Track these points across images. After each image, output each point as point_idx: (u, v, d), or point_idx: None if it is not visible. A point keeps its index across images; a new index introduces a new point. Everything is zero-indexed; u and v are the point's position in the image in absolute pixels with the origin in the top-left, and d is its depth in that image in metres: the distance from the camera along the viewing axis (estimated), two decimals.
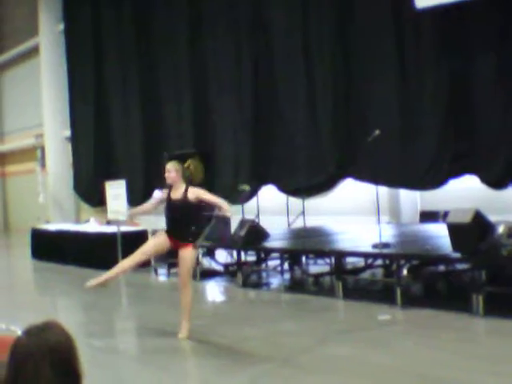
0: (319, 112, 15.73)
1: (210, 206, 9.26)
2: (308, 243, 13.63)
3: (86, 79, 25.03)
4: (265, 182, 17.14)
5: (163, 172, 9.17)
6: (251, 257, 14.29)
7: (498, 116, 12.30)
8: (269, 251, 13.68)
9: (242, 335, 9.18)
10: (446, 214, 11.46)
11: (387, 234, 12.79)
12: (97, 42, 24.36)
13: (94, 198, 23.45)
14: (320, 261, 14.34)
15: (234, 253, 14.03)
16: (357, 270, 13.18)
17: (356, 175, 14.91)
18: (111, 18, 23.53)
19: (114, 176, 19.21)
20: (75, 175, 26.38)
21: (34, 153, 30.14)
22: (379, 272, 13.41)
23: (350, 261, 13.31)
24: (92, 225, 19.91)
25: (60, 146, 27.75)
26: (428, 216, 15.30)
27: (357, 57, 14.84)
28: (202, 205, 9.06)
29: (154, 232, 15.94)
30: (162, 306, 12.05)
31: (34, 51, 30.39)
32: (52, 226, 21.46)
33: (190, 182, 9.04)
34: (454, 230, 9.60)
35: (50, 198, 27.67)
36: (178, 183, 8.96)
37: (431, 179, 13.42)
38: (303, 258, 14.38)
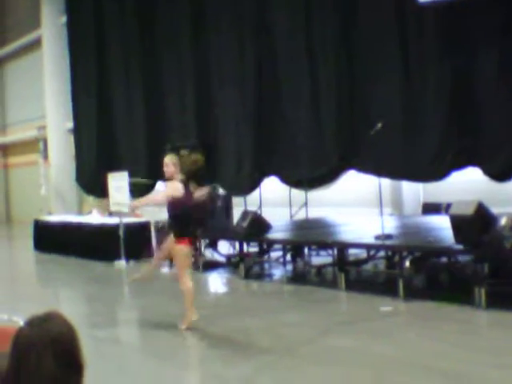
0: (322, 104, 15.69)
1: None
2: (310, 235, 13.63)
3: (89, 71, 24.99)
4: (267, 173, 17.12)
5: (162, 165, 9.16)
6: (253, 248, 14.30)
7: (500, 111, 12.27)
8: (271, 243, 13.69)
9: (245, 326, 9.20)
10: (448, 206, 11.45)
11: (390, 225, 12.78)
12: (99, 34, 24.31)
13: (97, 189, 23.42)
14: (322, 252, 14.34)
15: (237, 244, 14.03)
16: (359, 262, 13.19)
17: (359, 167, 14.88)
18: (114, 11, 23.48)
19: (116, 168, 19.20)
20: (78, 167, 26.36)
21: (37, 145, 30.13)
22: (381, 264, 13.41)
23: (353, 252, 13.33)
24: (94, 216, 19.92)
25: (62, 138, 27.74)
26: (430, 208, 15.29)
27: (360, 50, 14.79)
28: (175, 200, 9.01)
29: (157, 224, 15.98)
30: (164, 297, 12.06)
31: (36, 43, 30.37)
32: (54, 218, 21.49)
33: (188, 174, 9.02)
34: (457, 222, 9.59)
35: (52, 189, 27.68)
36: (176, 176, 8.96)
37: (434, 171, 13.40)
38: (305, 250, 14.39)
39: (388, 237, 11.09)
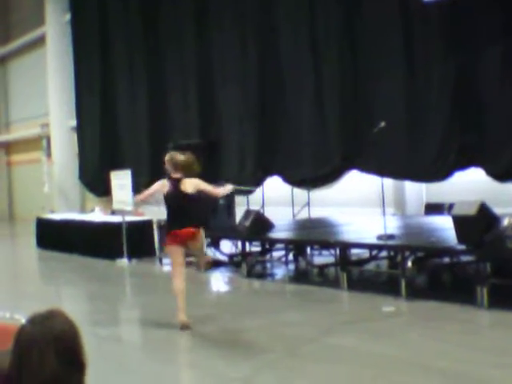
0: (326, 104, 15.70)
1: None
2: (313, 234, 13.62)
3: (92, 69, 25.02)
4: (270, 172, 17.13)
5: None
6: (256, 247, 14.30)
7: (504, 109, 12.27)
8: (273, 242, 13.69)
9: (246, 325, 9.20)
10: (451, 207, 11.45)
11: (392, 225, 12.77)
12: (103, 32, 24.34)
13: (100, 187, 23.45)
14: (325, 252, 14.33)
15: (239, 243, 14.03)
16: (361, 262, 13.18)
17: (362, 167, 14.89)
18: (118, 9, 23.51)
19: (119, 166, 19.21)
20: (81, 165, 26.40)
21: (40, 142, 30.16)
22: (384, 263, 13.41)
23: (355, 252, 13.32)
24: (97, 214, 19.92)
25: (66, 136, 27.77)
26: (433, 208, 15.28)
27: (364, 48, 14.79)
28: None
29: (160, 222, 15.98)
30: (167, 295, 12.05)
31: (40, 41, 30.38)
32: (57, 216, 21.49)
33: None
34: (459, 222, 9.59)
35: (55, 187, 27.70)
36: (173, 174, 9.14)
37: (437, 171, 13.40)
38: (308, 249, 14.37)
39: (390, 237, 11.08)
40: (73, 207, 26.10)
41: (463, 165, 13.06)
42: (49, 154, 28.70)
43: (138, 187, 16.10)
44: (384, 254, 13.13)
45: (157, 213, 17.46)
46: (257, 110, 17.50)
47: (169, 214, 9.15)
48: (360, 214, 16.34)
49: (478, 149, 12.58)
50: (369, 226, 13.56)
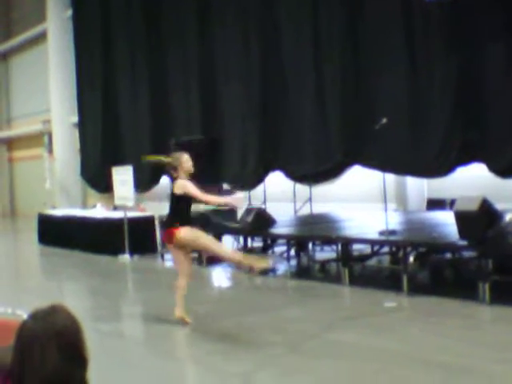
0: (328, 101, 15.68)
1: None
2: (315, 230, 13.63)
3: (94, 65, 25.00)
4: (272, 168, 17.13)
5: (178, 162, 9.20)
6: (258, 243, 14.31)
7: (506, 106, 12.25)
8: (275, 237, 13.70)
9: (248, 321, 9.21)
10: (453, 202, 11.46)
11: (394, 221, 12.79)
12: (105, 28, 24.30)
13: (101, 183, 23.45)
14: (326, 247, 14.35)
15: (241, 239, 14.03)
16: (363, 257, 13.19)
17: (364, 162, 14.87)
18: (119, 5, 23.47)
19: (121, 162, 19.22)
20: (82, 161, 26.39)
21: (41, 138, 30.17)
22: (386, 259, 13.41)
23: (357, 248, 13.33)
24: (99, 210, 19.94)
25: (67, 132, 27.78)
26: (435, 204, 15.28)
27: (366, 44, 14.77)
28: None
29: (161, 218, 15.98)
30: (169, 291, 12.06)
31: (41, 37, 30.40)
32: (59, 212, 21.50)
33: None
34: (461, 218, 9.59)
35: (56, 183, 27.71)
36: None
37: (439, 167, 13.38)
38: (310, 245, 14.39)
39: (392, 232, 11.10)
40: (74, 203, 26.11)
41: (465, 161, 13.05)
42: (50, 150, 28.71)
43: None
44: (386, 249, 13.13)
45: (158, 208, 17.50)
46: (259, 107, 17.49)
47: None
48: (362, 210, 16.35)
49: (480, 145, 12.56)
50: (371, 221, 13.57)
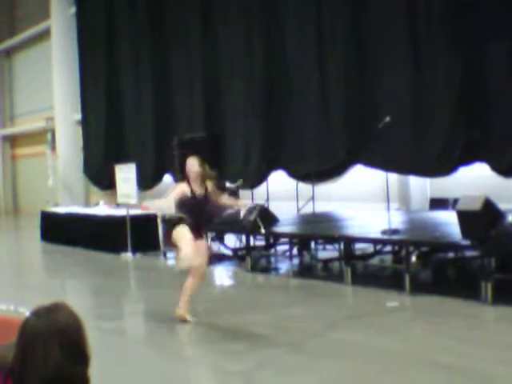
0: (331, 99, 15.68)
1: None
2: (317, 229, 13.62)
3: (98, 63, 25.01)
4: (275, 167, 17.13)
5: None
6: (260, 241, 14.31)
7: (509, 105, 12.24)
8: (278, 236, 13.69)
9: (250, 320, 9.20)
10: (455, 202, 11.44)
11: (396, 220, 12.77)
12: (109, 25, 24.32)
13: (104, 181, 23.47)
14: (329, 246, 14.33)
15: (243, 237, 14.03)
16: (366, 256, 13.18)
17: (366, 162, 14.88)
18: (123, 3, 23.49)
19: (124, 160, 19.23)
20: (85, 159, 26.41)
21: (44, 136, 30.18)
22: (388, 258, 13.41)
23: (359, 247, 13.33)
24: (101, 208, 19.95)
25: (70, 130, 27.79)
26: (437, 203, 15.27)
27: (369, 43, 14.77)
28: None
29: (164, 217, 15.98)
30: (171, 289, 12.07)
31: (45, 34, 30.40)
32: (62, 209, 21.52)
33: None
34: (464, 218, 9.58)
35: (59, 181, 27.73)
36: (199, 178, 9.00)
37: (442, 166, 13.39)
38: (312, 244, 14.39)
39: (395, 231, 11.08)
40: (77, 201, 26.13)
41: (468, 160, 13.05)
42: (53, 148, 28.73)
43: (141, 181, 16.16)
44: (388, 248, 13.13)
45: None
46: (262, 105, 17.50)
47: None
48: (364, 209, 16.34)
49: (483, 144, 12.55)
50: (373, 220, 13.56)
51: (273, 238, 14.05)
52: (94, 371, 2.80)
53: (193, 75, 20.08)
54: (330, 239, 13.20)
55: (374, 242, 12.42)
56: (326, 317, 9.13)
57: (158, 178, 21.17)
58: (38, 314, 2.67)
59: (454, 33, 13.03)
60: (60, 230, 19.28)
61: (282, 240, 13.88)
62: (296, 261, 14.01)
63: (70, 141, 27.69)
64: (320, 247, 14.79)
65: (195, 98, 20.00)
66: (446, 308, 9.39)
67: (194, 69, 19.98)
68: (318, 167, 15.80)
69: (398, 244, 11.64)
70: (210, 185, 9.06)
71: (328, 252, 14.25)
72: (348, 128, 15.16)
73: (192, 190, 8.96)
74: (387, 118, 11.36)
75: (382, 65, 14.49)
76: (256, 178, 17.24)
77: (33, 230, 21.45)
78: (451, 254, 12.32)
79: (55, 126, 28.35)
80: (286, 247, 13.73)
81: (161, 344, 8.29)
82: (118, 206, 18.63)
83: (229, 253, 14.73)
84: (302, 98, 16.36)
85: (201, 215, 9.03)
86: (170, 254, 15.31)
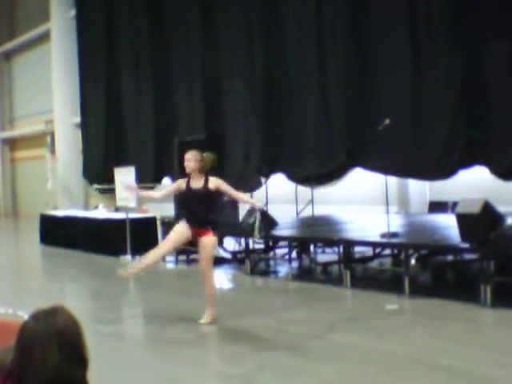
0: (331, 101, 15.68)
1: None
2: (316, 232, 13.62)
3: (97, 65, 25.02)
4: (274, 170, 17.13)
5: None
6: (259, 245, 14.30)
7: (510, 107, 12.24)
8: (277, 239, 13.69)
9: (250, 323, 9.20)
10: (454, 205, 11.44)
11: (396, 223, 12.78)
12: (108, 28, 24.33)
13: (104, 184, 23.46)
14: (328, 249, 14.33)
15: (243, 240, 14.03)
16: (365, 259, 13.19)
17: (366, 165, 14.87)
18: (123, 4, 23.50)
19: (123, 162, 19.23)
20: (85, 161, 26.41)
21: (44, 139, 30.20)
22: (387, 261, 13.40)
23: (359, 250, 13.33)
24: (101, 211, 19.94)
25: (70, 133, 27.81)
26: (437, 206, 15.27)
27: (369, 44, 14.77)
28: (220, 194, 9.24)
29: (163, 219, 15.99)
30: (170, 292, 12.09)
31: (45, 37, 30.43)
32: (61, 212, 21.52)
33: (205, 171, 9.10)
34: (463, 221, 9.58)
35: (59, 184, 27.74)
36: (196, 172, 8.99)
37: (441, 170, 13.38)
38: (311, 247, 14.39)
39: (394, 235, 11.08)
40: (76, 204, 26.12)
41: (468, 163, 13.04)
42: (53, 151, 28.75)
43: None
44: (387, 251, 13.13)
45: (160, 209, 17.51)
46: (262, 106, 17.50)
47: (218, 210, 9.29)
48: (363, 212, 16.34)
49: (483, 147, 12.54)
50: (372, 223, 13.56)
51: (272, 242, 14.04)
52: (93, 374, 2.80)
53: (193, 75, 20.09)
54: (330, 242, 13.19)
55: (374, 245, 12.42)
56: (325, 320, 9.13)
57: (157, 181, 21.16)
58: (36, 317, 2.67)
59: (454, 33, 13.02)
60: (59, 233, 19.28)
61: (282, 243, 13.88)
62: (295, 264, 14.01)
63: (69, 144, 27.70)
64: (319, 250, 14.79)
65: (195, 98, 20.00)
66: (446, 311, 9.39)
67: (194, 69, 19.99)
68: (318, 170, 15.80)
69: (398, 247, 11.64)
70: (215, 178, 9.05)
71: (327, 255, 14.26)
72: (347, 131, 15.15)
73: (189, 184, 8.99)
74: (387, 121, 11.36)
75: (382, 65, 14.47)
76: (255, 181, 17.23)
77: (32, 232, 21.45)
78: (450, 257, 12.33)
79: (55, 129, 28.36)
80: (286, 250, 13.72)
81: (160, 347, 8.28)
82: (117, 209, 18.64)
83: (228, 256, 14.72)
84: (302, 99, 16.35)
85: (198, 209, 9.00)
86: (169, 257, 15.31)
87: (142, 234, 16.52)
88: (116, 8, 23.97)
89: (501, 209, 9.82)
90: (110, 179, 17.82)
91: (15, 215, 36.38)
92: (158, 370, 7.28)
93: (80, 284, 13.88)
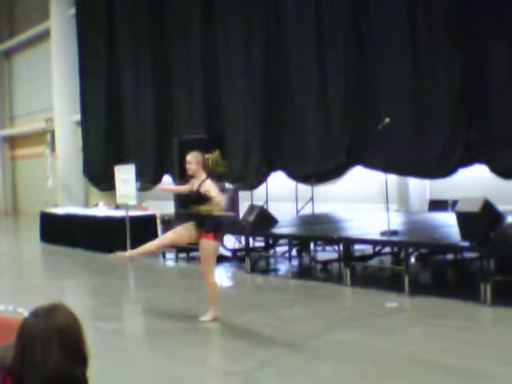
0: (331, 99, 15.69)
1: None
2: (316, 230, 13.61)
3: (97, 63, 25.01)
4: (274, 168, 17.14)
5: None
6: (259, 243, 14.30)
7: (510, 106, 12.24)
8: (277, 237, 13.68)
9: (250, 320, 9.20)
10: (454, 203, 11.44)
11: (396, 221, 12.77)
12: (108, 26, 24.32)
13: (104, 182, 23.46)
14: (328, 248, 14.33)
15: (243, 238, 14.02)
16: (365, 258, 13.18)
17: (366, 163, 14.87)
18: (123, 3, 23.48)
19: (123, 160, 19.23)
20: (85, 159, 26.40)
21: (44, 137, 30.19)
22: (387, 260, 13.40)
23: (359, 248, 13.32)
24: (101, 209, 19.94)
25: (70, 131, 27.80)
26: (437, 205, 15.25)
27: (369, 44, 14.77)
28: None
29: (163, 217, 15.98)
30: (170, 290, 12.10)
31: (45, 35, 30.38)
32: (61, 210, 21.50)
33: (209, 173, 9.07)
34: (463, 219, 9.58)
35: (59, 182, 27.73)
36: (199, 174, 8.97)
37: (441, 168, 13.38)
38: (311, 245, 14.38)
39: (394, 233, 11.08)
40: (76, 202, 26.11)
41: (467, 162, 13.04)
42: (53, 149, 28.74)
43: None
44: (387, 250, 13.13)
45: (161, 207, 17.50)
46: (262, 105, 17.50)
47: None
48: (363, 210, 16.33)
49: (483, 145, 12.55)
50: (372, 222, 13.55)
51: (272, 239, 14.04)
52: (94, 372, 2.80)
53: (193, 75, 20.08)
54: (330, 240, 13.19)
55: (374, 243, 12.41)
56: (325, 318, 9.13)
57: (157, 179, 21.15)
58: (36, 314, 2.67)
59: (454, 33, 13.03)
60: (59, 231, 19.27)
61: (282, 241, 13.87)
62: (295, 262, 14.00)
63: (69, 142, 27.70)
64: (319, 248, 14.78)
65: (195, 97, 20.00)
66: (445, 309, 9.39)
67: (194, 69, 19.99)
68: (318, 168, 15.80)
69: (398, 245, 11.64)
70: (209, 182, 8.99)
71: (327, 253, 14.24)
72: (348, 129, 15.16)
73: (191, 185, 9.02)
74: (386, 120, 11.36)
75: (382, 66, 14.48)
76: (256, 179, 17.23)
77: (32, 230, 21.44)
78: (450, 256, 12.31)
79: (55, 127, 28.35)
80: (286, 248, 13.72)
81: (160, 344, 8.28)
82: (117, 207, 18.63)
83: (228, 254, 14.72)
84: (301, 98, 16.36)
85: (195, 211, 9.00)
86: (169, 255, 15.32)
87: (142, 232, 16.51)
88: (116, 6, 23.95)
89: (501, 207, 9.82)
90: (110, 177, 17.82)
91: (15, 213, 36.36)
92: (158, 367, 7.29)
93: (80, 281, 13.88)
